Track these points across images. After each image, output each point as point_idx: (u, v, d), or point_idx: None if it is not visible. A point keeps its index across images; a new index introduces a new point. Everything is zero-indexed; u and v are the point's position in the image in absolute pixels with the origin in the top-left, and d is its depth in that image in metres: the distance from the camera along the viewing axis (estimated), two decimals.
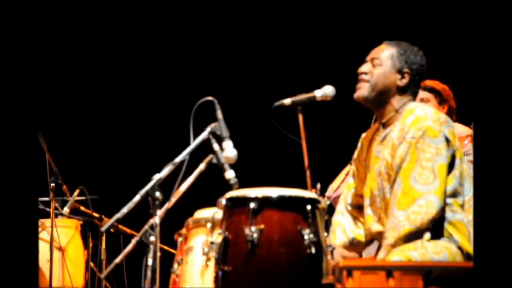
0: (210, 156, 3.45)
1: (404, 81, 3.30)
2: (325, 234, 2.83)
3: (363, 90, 3.30)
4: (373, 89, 3.28)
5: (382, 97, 3.29)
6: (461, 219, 3.15)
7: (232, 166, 3.27)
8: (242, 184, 3.18)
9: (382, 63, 3.30)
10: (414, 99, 3.35)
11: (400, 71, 3.30)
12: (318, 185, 2.96)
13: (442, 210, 3.09)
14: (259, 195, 2.85)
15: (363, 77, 3.31)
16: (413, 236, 3.06)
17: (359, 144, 3.53)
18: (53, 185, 4.16)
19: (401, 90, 3.30)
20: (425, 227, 3.06)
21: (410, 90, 3.33)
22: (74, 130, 5.71)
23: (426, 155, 3.09)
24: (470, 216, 3.17)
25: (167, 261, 3.35)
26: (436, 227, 3.10)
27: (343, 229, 3.45)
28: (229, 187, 3.22)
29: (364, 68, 3.33)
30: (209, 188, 3.61)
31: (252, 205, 2.83)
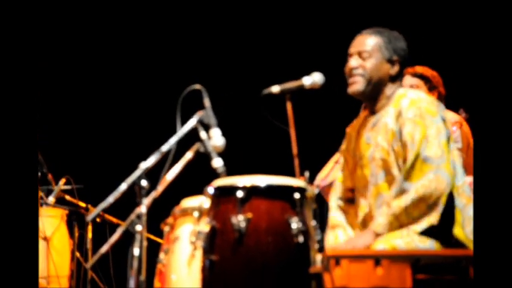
0: (197, 144, 3.42)
1: (396, 69, 3.30)
2: (313, 222, 2.81)
3: (358, 85, 3.28)
4: (369, 83, 3.28)
5: (376, 89, 3.29)
6: (456, 205, 3.14)
7: (220, 155, 3.24)
8: (230, 172, 3.16)
9: (372, 55, 3.28)
10: (401, 83, 3.35)
11: (390, 60, 3.29)
12: (306, 174, 2.94)
13: (450, 186, 3.08)
14: (247, 184, 2.83)
15: (356, 71, 3.28)
16: (419, 206, 3.04)
17: (346, 136, 3.51)
18: (38, 174, 4.12)
19: (393, 79, 3.30)
20: (432, 200, 3.04)
21: (400, 76, 3.32)
22: (59, 119, 5.66)
23: (431, 131, 3.11)
24: (464, 201, 3.17)
25: (153, 250, 3.33)
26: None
27: (343, 228, 3.41)
28: (216, 175, 3.19)
29: (354, 62, 3.29)
30: (196, 177, 3.59)
31: (240, 194, 2.81)
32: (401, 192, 3.08)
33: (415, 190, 3.05)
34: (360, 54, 3.30)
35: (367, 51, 3.28)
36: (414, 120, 3.15)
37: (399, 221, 3.06)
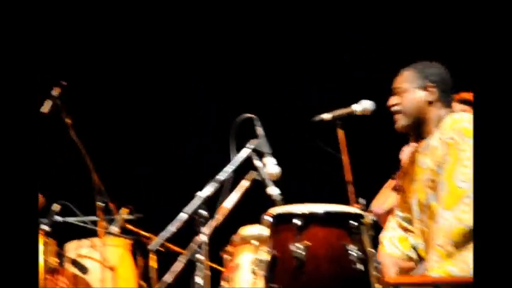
0: (253, 172, 3.50)
1: (434, 94, 3.36)
2: (372, 250, 2.85)
3: (400, 121, 3.37)
4: (409, 116, 3.36)
5: (418, 118, 3.36)
6: None
7: (275, 182, 3.31)
8: (285, 200, 3.21)
9: (405, 89, 3.37)
10: (450, 106, 3.39)
11: (424, 88, 3.36)
12: (362, 201, 2.98)
13: None
14: (305, 212, 2.88)
15: (394, 108, 3.39)
16: (465, 236, 3.05)
17: (403, 160, 3.56)
18: (100, 204, 4.24)
19: (434, 104, 3.35)
20: (472, 225, 3.03)
21: (442, 100, 3.37)
22: (118, 150, 5.77)
23: (466, 154, 3.12)
24: None
25: (214, 277, 3.40)
26: None
27: (391, 241, 3.45)
28: (272, 203, 3.25)
29: (392, 100, 3.40)
30: (251, 205, 3.63)
31: (298, 222, 2.86)
32: (442, 220, 3.11)
33: (453, 217, 3.07)
34: (396, 91, 3.41)
35: (400, 87, 3.39)
36: (448, 143, 3.20)
37: (447, 251, 3.08)
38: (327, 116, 3.53)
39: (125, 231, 4.40)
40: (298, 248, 2.80)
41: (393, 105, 3.38)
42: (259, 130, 3.39)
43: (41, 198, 4.32)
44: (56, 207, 4.31)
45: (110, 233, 4.29)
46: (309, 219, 2.86)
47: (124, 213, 4.43)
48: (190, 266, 3.20)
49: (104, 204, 4.22)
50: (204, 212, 3.13)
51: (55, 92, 4.42)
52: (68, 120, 4.43)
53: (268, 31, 5.97)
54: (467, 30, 4.79)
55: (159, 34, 6.07)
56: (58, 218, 4.27)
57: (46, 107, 4.38)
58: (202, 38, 6.03)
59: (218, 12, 5.98)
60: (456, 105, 4.13)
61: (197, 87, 5.98)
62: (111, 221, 4.35)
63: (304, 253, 2.79)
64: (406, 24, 5.65)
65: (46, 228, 4.18)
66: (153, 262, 4.21)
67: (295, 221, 2.86)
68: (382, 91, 3.58)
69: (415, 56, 3.51)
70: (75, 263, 4.27)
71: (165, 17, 6.02)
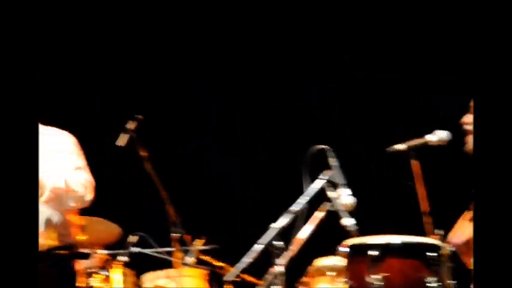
0: (327, 204, 3.50)
1: None
2: (451, 281, 2.82)
3: (469, 145, 3.26)
4: None
5: None
6: None
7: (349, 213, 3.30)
8: (359, 231, 3.20)
9: None
10: None
11: None
12: (440, 232, 2.95)
13: None
14: (381, 243, 2.88)
15: (467, 127, 3.26)
16: None
17: None
18: (176, 235, 4.32)
19: None
20: None
21: None
22: (193, 182, 5.85)
23: None
24: None
25: None
26: None
27: None
28: (346, 234, 3.24)
29: (466, 118, 3.28)
30: (323, 235, 3.62)
31: (374, 253, 2.86)
32: None
33: None
34: (471, 109, 3.29)
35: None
36: None
37: None
38: (400, 146, 3.50)
39: (200, 262, 4.45)
40: (374, 279, 2.80)
41: (467, 124, 3.26)
42: (333, 161, 3.40)
43: (118, 229, 4.43)
44: (132, 238, 4.41)
45: (185, 264, 4.35)
46: (385, 250, 2.85)
47: (199, 244, 4.48)
48: None
49: (179, 235, 4.29)
50: (279, 243, 3.15)
51: (130, 125, 4.54)
52: (143, 153, 4.54)
53: (268, 31, 5.93)
54: (468, 30, 4.77)
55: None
56: (135, 249, 4.36)
57: (122, 140, 4.50)
58: (202, 38, 6.05)
59: (218, 12, 5.96)
60: None
61: (269, 120, 6.00)
62: (186, 252, 4.41)
63: (381, 285, 2.78)
64: (406, 24, 5.56)
65: (124, 259, 4.28)
66: None
67: (371, 252, 2.85)
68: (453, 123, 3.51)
69: (415, 56, 3.45)
70: None
71: (165, 17, 6.06)
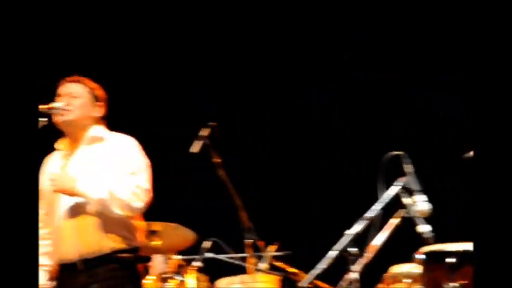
0: (402, 210, 3.46)
1: None
2: None
3: None
4: None
5: None
6: None
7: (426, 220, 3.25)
8: (435, 238, 3.15)
9: None
10: None
11: None
12: None
13: None
14: (458, 250, 2.83)
15: None
16: None
17: None
18: (249, 241, 4.34)
19: None
20: None
21: None
22: (267, 188, 5.88)
23: None
24: None
25: None
26: None
27: None
28: (421, 242, 3.20)
29: None
30: (398, 242, 3.58)
31: (451, 260, 2.81)
32: None
33: None
34: None
35: None
36: None
37: None
38: None
39: (273, 268, 4.46)
40: (452, 287, 2.75)
41: None
42: (409, 167, 3.36)
43: (192, 235, 4.48)
44: (206, 244, 4.46)
45: (259, 270, 4.36)
46: (463, 257, 2.81)
47: (272, 250, 4.49)
48: None
49: (252, 241, 4.31)
50: (354, 250, 3.13)
51: (204, 132, 4.60)
52: (217, 160, 4.58)
53: (268, 31, 5.92)
54: (468, 30, 4.64)
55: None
56: (209, 255, 4.41)
57: (196, 146, 4.57)
58: (202, 38, 6.04)
59: (219, 12, 5.97)
60: None
61: (342, 126, 5.98)
62: (259, 258, 4.43)
63: None
64: (406, 24, 5.53)
65: (198, 264, 4.33)
66: None
67: (448, 259, 2.81)
68: None
69: (415, 56, 3.38)
70: None
71: (165, 18, 6.08)
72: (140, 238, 3.38)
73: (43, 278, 3.34)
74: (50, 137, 3.44)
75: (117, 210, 3.23)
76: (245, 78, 5.97)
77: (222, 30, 6.00)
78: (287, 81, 5.92)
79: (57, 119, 3.36)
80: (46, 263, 3.36)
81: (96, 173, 3.28)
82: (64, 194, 3.26)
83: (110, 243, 3.25)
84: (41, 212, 3.34)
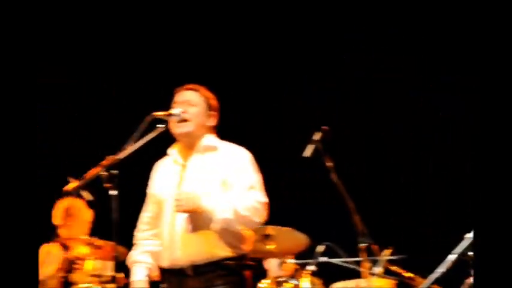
0: None
1: None
2: None
3: None
4: None
5: None
6: None
7: None
8: None
9: None
10: None
11: None
12: None
13: None
14: None
15: None
16: None
17: None
18: (363, 245, 4.30)
19: None
20: None
21: None
22: (380, 191, 5.84)
23: None
24: None
25: None
26: None
27: None
28: None
29: None
30: None
31: None
32: None
33: None
34: None
35: None
36: None
37: None
38: None
39: (388, 272, 4.41)
40: None
41: None
42: None
43: (306, 239, 4.50)
44: (320, 248, 4.46)
45: (373, 274, 4.32)
46: None
47: (387, 254, 4.44)
48: None
49: (366, 245, 4.27)
50: (470, 254, 3.04)
51: (316, 136, 4.60)
52: (329, 164, 4.58)
53: (268, 31, 5.87)
54: (468, 30, 4.40)
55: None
56: (323, 259, 4.41)
57: (308, 151, 4.57)
58: (203, 38, 5.97)
59: (219, 12, 5.94)
60: None
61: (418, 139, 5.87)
62: (374, 262, 4.38)
63: None
64: (406, 24, 5.46)
65: (312, 268, 4.34)
66: None
67: None
68: None
69: (415, 56, 3.22)
70: None
71: (165, 18, 6.05)
72: (248, 247, 3.43)
73: (142, 273, 3.49)
74: (159, 140, 3.55)
75: (240, 227, 3.31)
76: (245, 78, 6.02)
77: (222, 31, 6.06)
78: (287, 81, 5.96)
79: (175, 128, 3.45)
80: (147, 261, 3.50)
81: (212, 183, 3.35)
82: (189, 213, 3.32)
83: (220, 252, 3.34)
84: (149, 214, 3.51)
